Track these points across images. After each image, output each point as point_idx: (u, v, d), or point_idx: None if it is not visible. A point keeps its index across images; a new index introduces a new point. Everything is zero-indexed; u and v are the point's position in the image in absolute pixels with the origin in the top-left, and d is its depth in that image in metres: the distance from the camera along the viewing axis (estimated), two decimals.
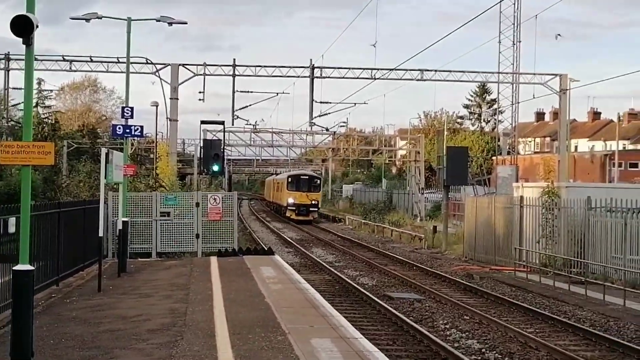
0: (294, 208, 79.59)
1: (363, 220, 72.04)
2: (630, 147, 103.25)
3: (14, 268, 12.50)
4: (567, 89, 63.79)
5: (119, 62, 60.43)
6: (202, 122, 55.83)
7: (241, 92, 66.59)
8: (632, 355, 18.67)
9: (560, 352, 18.50)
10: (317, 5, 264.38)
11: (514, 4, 64.54)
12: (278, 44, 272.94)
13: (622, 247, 31.42)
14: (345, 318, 18.60)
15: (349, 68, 65.15)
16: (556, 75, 64.55)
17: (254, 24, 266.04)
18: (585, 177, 78.80)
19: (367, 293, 27.50)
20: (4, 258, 16.13)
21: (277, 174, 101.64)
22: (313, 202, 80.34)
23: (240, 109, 68.16)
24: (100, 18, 31.18)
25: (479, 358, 18.28)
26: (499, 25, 65.35)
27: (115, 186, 29.22)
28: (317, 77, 64.06)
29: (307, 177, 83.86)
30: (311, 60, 64.71)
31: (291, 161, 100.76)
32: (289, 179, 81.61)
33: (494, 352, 18.92)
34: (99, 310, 19.30)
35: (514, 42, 65.08)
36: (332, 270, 35.13)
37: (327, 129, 78.93)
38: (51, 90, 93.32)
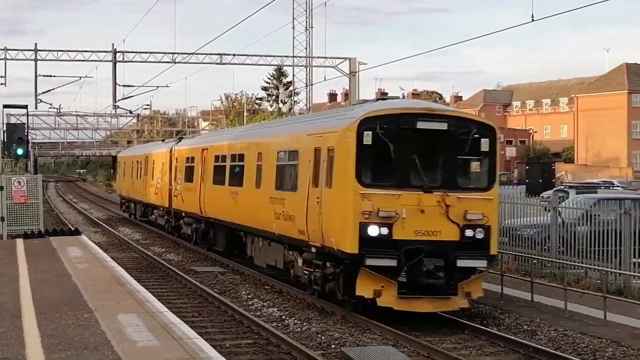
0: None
1: None
2: None
3: None
4: (356, 72, 65.26)
5: None
6: (5, 107, 55.10)
7: (44, 76, 64.96)
8: None
9: (351, 316, 18.93)
10: None
11: None
12: (82, 29, 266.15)
13: None
14: (151, 293, 18.55)
15: (151, 52, 64.42)
16: (346, 58, 65.87)
17: (58, 9, 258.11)
18: None
19: (173, 268, 27.32)
20: None
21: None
22: None
23: (43, 92, 66.36)
24: None
25: (280, 324, 18.47)
26: (293, 11, 66.25)
27: None
28: (119, 62, 63.23)
29: None
30: (113, 44, 63.62)
31: (96, 143, 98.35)
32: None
33: (294, 317, 19.26)
34: None
35: (306, 27, 66.16)
36: (139, 247, 34.61)
37: (130, 112, 78.33)
38: None
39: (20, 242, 29.59)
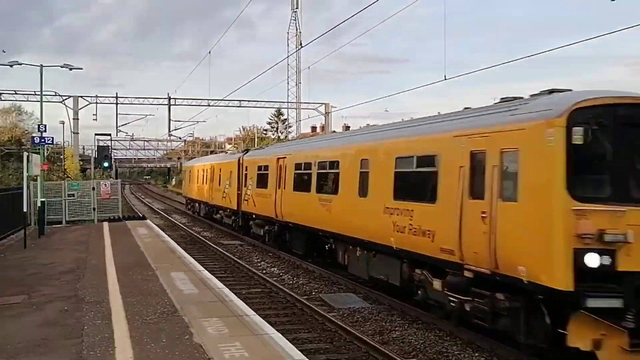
0: None
1: None
2: None
3: None
4: (329, 112, 66.18)
5: (35, 94, 57.33)
6: (96, 134, 58.11)
7: (122, 114, 67.75)
8: None
9: (326, 274, 19.02)
10: (173, 58, 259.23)
11: (296, 59, 66.30)
12: (148, 82, 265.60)
13: None
14: (193, 259, 18.43)
15: (193, 99, 64.46)
16: (322, 103, 66.98)
17: (132, 69, 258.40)
18: None
19: (207, 242, 27.19)
20: None
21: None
22: None
23: (121, 125, 67.78)
24: (20, 64, 28.89)
25: (278, 278, 18.53)
26: (287, 73, 66.89)
27: (35, 178, 27.59)
28: (172, 105, 63.67)
29: None
30: (168, 93, 64.39)
31: (156, 159, 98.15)
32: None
33: (288, 274, 19.25)
34: (24, 260, 18.12)
35: (296, 83, 66.94)
36: (185, 227, 34.41)
37: (179, 138, 79.29)
38: None
39: (106, 224, 29.37)
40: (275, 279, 18.28)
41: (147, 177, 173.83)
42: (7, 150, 69.14)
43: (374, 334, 12.06)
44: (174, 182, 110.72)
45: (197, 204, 43.15)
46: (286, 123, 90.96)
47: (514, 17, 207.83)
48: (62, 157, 57.02)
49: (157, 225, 32.20)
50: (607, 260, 8.95)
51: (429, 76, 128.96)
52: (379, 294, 15.06)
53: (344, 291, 16.21)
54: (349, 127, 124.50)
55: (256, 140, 74.90)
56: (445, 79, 22.12)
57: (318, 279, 18.07)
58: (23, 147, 72.88)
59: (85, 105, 60.52)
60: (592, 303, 8.85)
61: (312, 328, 12.58)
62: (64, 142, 61.90)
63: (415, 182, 13.13)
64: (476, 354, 10.80)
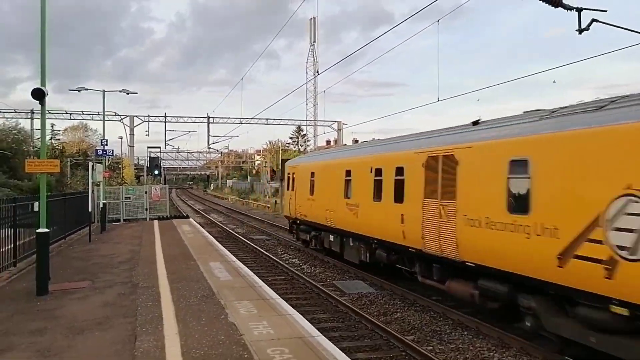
0: None
1: (237, 199, 71.02)
2: None
3: (36, 230, 11.65)
4: (341, 129, 65.88)
5: (98, 114, 58.13)
6: (148, 147, 59.66)
7: (170, 130, 69.02)
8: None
9: (339, 265, 18.87)
10: (212, 84, 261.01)
11: (313, 84, 66.17)
12: (191, 103, 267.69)
13: None
14: (228, 251, 18.41)
15: (228, 117, 65.22)
16: (335, 121, 66.98)
17: (178, 93, 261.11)
18: None
19: (239, 237, 27.15)
20: (31, 225, 14.96)
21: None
22: None
23: (169, 139, 69.95)
24: (87, 90, 29.33)
25: (298, 267, 18.45)
26: (306, 95, 66.84)
27: (98, 184, 27.81)
28: (211, 123, 64.07)
29: None
30: (207, 113, 65.39)
31: (198, 168, 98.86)
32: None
33: (307, 264, 19.17)
34: (89, 252, 18.24)
35: (314, 104, 66.75)
36: (221, 225, 34.45)
37: (217, 150, 79.76)
38: (59, 131, 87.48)
39: (156, 222, 29.51)
40: (295, 268, 18.25)
41: (190, 182, 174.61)
42: (75, 161, 69.99)
43: (378, 315, 11.98)
44: (212, 187, 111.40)
45: (328, 235, 18.96)
46: (305, 137, 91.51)
47: (496, 47, 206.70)
48: (120, 166, 57.81)
49: (198, 223, 32.33)
50: None
51: (425, 97, 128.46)
52: (383, 281, 14.97)
53: (354, 279, 16.15)
54: (357, 140, 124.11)
55: (280, 152, 75.47)
56: (439, 100, 21.94)
57: (332, 268, 18.01)
58: (88, 158, 73.85)
59: (140, 124, 61.37)
60: None
61: (327, 310, 12.51)
62: (122, 154, 62.89)
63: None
64: (465, 332, 10.69)
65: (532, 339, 9.47)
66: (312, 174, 19.93)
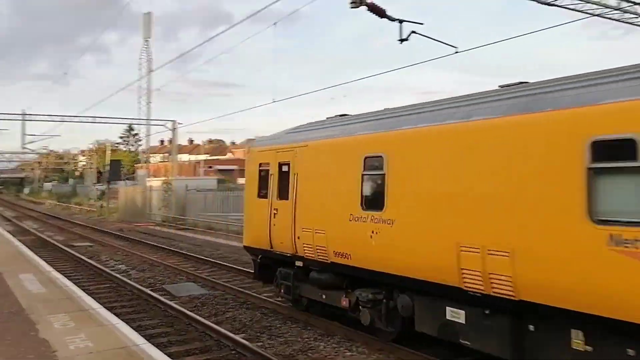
0: None
1: (57, 203, 64.91)
2: (208, 158, 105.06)
3: None
4: (176, 128, 63.52)
5: None
6: None
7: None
8: (200, 260, 19.02)
9: (171, 266, 18.39)
10: (31, 78, 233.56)
11: (147, 82, 63.48)
12: (5, 99, 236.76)
13: (202, 209, 32.22)
14: (44, 261, 16.68)
15: (49, 115, 58.70)
16: (170, 120, 64.12)
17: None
18: (185, 174, 78.40)
19: (58, 245, 24.77)
20: None
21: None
22: None
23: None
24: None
25: (125, 274, 17.46)
26: (139, 92, 63.68)
27: None
28: (27, 120, 57.14)
29: None
30: (23, 109, 58.14)
31: (9, 170, 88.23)
32: None
33: (135, 269, 18.24)
34: None
35: (147, 102, 64.01)
36: (36, 232, 31.07)
37: (33, 151, 71.90)
38: None
39: None
40: (122, 274, 17.20)
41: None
42: None
43: (210, 316, 11.81)
44: (27, 190, 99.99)
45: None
46: (136, 137, 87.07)
47: (330, 54, 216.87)
48: None
49: (7, 231, 28.82)
50: None
51: (262, 98, 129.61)
52: (216, 282, 14.79)
53: (185, 281, 15.72)
54: (192, 140, 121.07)
55: (108, 152, 70.56)
56: (274, 102, 22.43)
57: (162, 272, 17.34)
58: None
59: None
60: None
61: (155, 315, 11.98)
62: None
63: None
64: (294, 325, 11.04)
65: (355, 327, 10.13)
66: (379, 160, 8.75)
